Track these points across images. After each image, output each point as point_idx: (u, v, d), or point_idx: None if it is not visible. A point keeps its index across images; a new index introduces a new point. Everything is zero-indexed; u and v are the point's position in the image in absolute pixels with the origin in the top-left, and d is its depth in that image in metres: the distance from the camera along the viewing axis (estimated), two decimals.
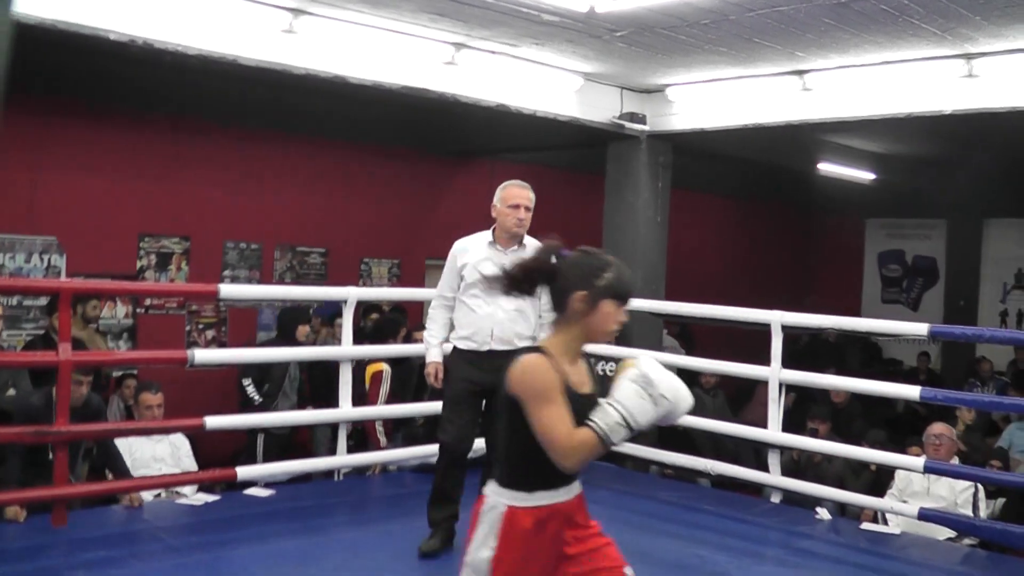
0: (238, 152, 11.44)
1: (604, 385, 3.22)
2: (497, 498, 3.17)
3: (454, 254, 6.04)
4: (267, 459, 7.96)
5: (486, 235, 6.06)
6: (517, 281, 3.25)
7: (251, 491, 7.00)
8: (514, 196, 6.04)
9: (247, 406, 8.51)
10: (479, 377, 5.80)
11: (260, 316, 11.71)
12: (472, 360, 5.87)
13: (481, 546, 3.15)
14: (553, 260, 3.28)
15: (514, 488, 3.16)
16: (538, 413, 3.04)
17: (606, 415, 3.05)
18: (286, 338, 8.78)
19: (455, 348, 5.99)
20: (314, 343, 9.72)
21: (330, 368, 8.37)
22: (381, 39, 7.93)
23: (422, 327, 8.50)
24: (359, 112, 10.47)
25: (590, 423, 3.04)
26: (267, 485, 7.11)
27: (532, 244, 6.03)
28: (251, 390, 8.59)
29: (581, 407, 3.10)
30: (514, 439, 3.15)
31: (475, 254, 5.96)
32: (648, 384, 3.07)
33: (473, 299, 5.91)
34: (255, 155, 11.63)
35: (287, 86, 8.29)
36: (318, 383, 9.42)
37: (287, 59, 7.56)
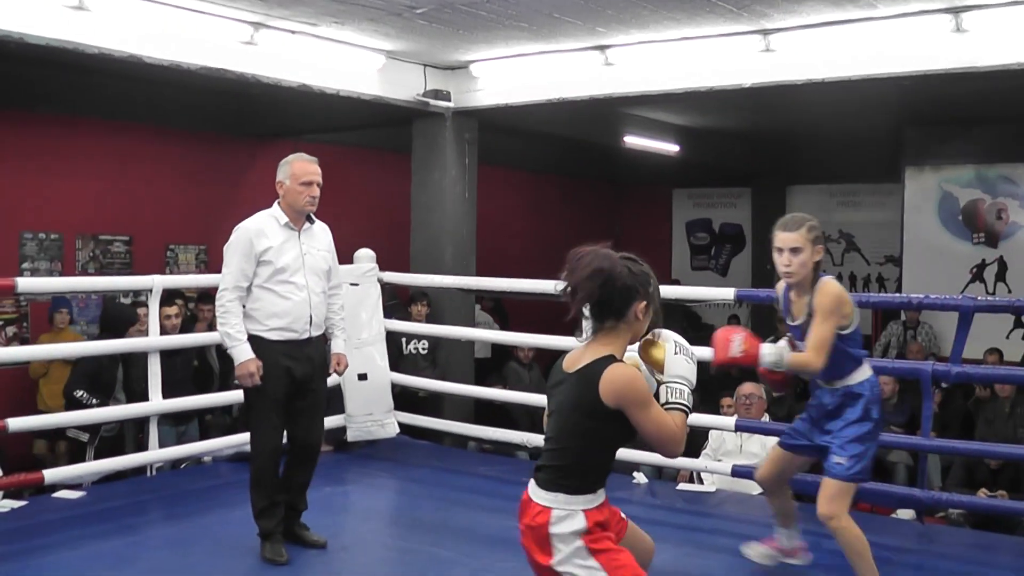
0: (31, 138, 10.95)
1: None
2: (570, 507, 3.33)
3: (247, 239, 5.50)
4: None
5: (276, 215, 5.63)
6: (611, 309, 3.39)
7: (60, 494, 6.74)
8: (306, 172, 5.64)
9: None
10: (298, 369, 5.55)
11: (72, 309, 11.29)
12: (288, 351, 5.54)
13: (580, 570, 3.31)
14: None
15: (585, 492, 3.36)
16: (647, 416, 3.26)
17: (678, 392, 3.39)
18: (109, 332, 8.43)
19: (263, 340, 5.50)
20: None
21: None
22: (177, 18, 7.72)
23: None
24: (158, 94, 10.20)
25: (676, 406, 3.37)
26: (77, 487, 6.87)
27: (320, 224, 5.92)
28: (85, 397, 8.18)
29: None
30: (594, 446, 3.35)
31: (274, 237, 5.55)
32: (683, 349, 3.46)
33: (283, 285, 5.52)
34: (49, 141, 11.16)
35: (80, 66, 8.00)
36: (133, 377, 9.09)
37: (78, 37, 7.23)
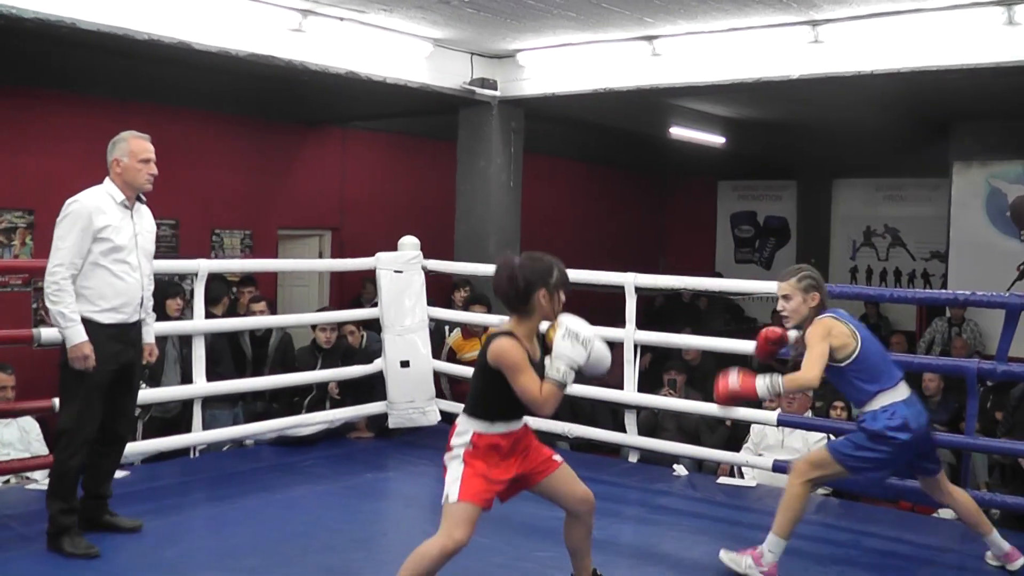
0: (82, 122, 11.06)
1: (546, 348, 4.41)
2: (467, 425, 4.32)
3: (87, 214, 5.22)
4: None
5: (111, 192, 5.39)
6: (519, 300, 4.32)
7: None
8: (144, 150, 5.47)
9: None
10: (123, 355, 5.40)
11: None
12: (116, 335, 5.35)
13: (454, 462, 4.30)
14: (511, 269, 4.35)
15: (479, 418, 4.31)
16: (515, 379, 4.17)
17: (555, 368, 4.17)
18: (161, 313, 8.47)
19: (93, 323, 5.26)
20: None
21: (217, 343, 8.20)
22: (226, 4, 7.78)
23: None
24: (206, 80, 10.24)
25: (550, 378, 4.18)
26: (123, 466, 6.93)
27: (145, 206, 5.72)
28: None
29: (538, 370, 4.26)
30: (484, 387, 4.30)
31: (112, 214, 5.32)
32: (573, 335, 4.18)
33: (119, 264, 5.32)
34: (99, 125, 11.20)
35: (130, 52, 8.06)
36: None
37: (129, 23, 7.32)
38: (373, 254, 8.37)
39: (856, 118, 13.25)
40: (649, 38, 8.89)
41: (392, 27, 8.84)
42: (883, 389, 5.13)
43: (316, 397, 8.40)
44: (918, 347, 12.77)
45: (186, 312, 8.55)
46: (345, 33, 8.62)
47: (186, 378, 8.17)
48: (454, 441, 4.36)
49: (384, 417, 8.22)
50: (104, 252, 5.27)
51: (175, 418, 8.22)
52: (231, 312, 9.16)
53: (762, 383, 5.07)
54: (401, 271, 8.27)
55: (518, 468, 4.39)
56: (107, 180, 5.44)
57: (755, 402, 5.56)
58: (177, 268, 8.43)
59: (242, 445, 7.99)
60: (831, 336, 5.08)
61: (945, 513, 6.96)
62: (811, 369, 4.97)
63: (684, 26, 8.50)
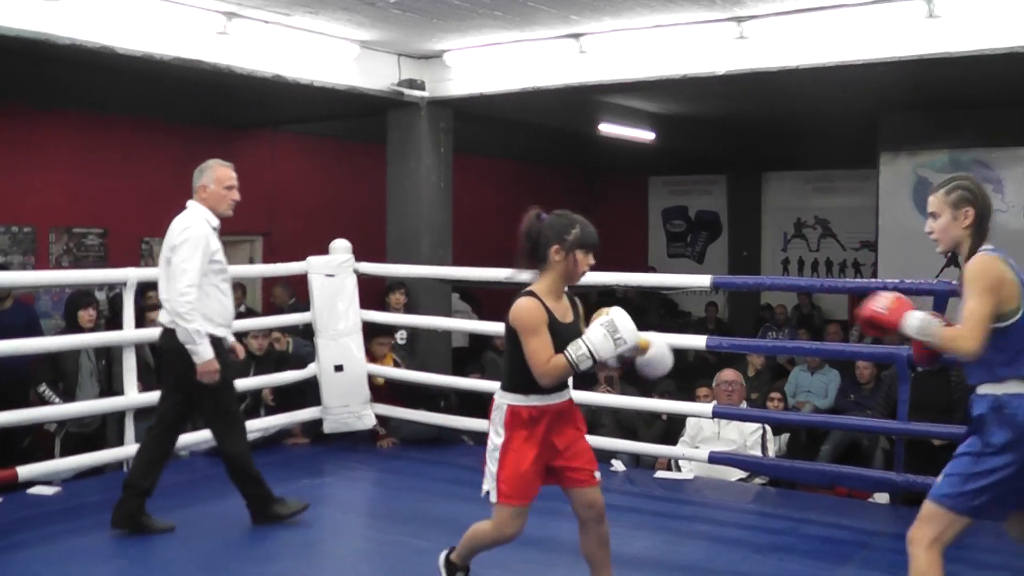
0: (2, 130, 10.89)
1: (585, 319, 4.34)
2: (501, 400, 4.24)
3: (204, 237, 5.62)
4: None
5: (206, 217, 5.74)
6: (531, 254, 4.27)
7: (35, 490, 6.69)
8: (230, 177, 5.88)
9: None
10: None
11: (37, 304, 11.22)
12: (222, 349, 5.75)
13: (494, 436, 4.24)
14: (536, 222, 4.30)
15: (513, 391, 4.21)
16: (527, 341, 4.09)
17: (577, 348, 4.03)
18: (71, 326, 8.36)
19: (212, 338, 5.63)
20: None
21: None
22: (150, 8, 7.67)
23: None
24: (132, 85, 10.11)
25: (565, 353, 4.05)
26: (53, 483, 6.82)
27: None
28: (48, 394, 8.11)
29: (564, 334, 4.12)
30: (514, 356, 4.16)
31: (215, 239, 5.72)
32: (613, 328, 4.06)
33: (224, 284, 5.76)
34: (22, 133, 11.10)
35: (51, 57, 7.93)
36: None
37: (50, 28, 7.18)
38: (304, 258, 8.31)
39: (784, 111, 13.39)
40: (575, 36, 8.90)
41: (318, 29, 8.78)
42: (1018, 376, 3.89)
43: (250, 405, 8.32)
44: (851, 335, 12.92)
45: (99, 323, 8.44)
46: (271, 36, 8.55)
47: (104, 391, 8.08)
48: (491, 427, 4.28)
49: (319, 422, 8.17)
50: (215, 272, 5.68)
51: (93, 433, 8.10)
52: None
53: (915, 321, 4.01)
54: (333, 275, 8.21)
55: (554, 449, 4.25)
56: (196, 204, 5.79)
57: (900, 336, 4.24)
58: (106, 278, 8.32)
59: (176, 457, 7.88)
60: (1004, 286, 3.86)
61: (880, 497, 7.06)
62: (973, 336, 3.79)
63: (610, 23, 8.52)
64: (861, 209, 16.02)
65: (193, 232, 5.61)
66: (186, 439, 7.70)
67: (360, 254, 8.50)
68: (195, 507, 6.50)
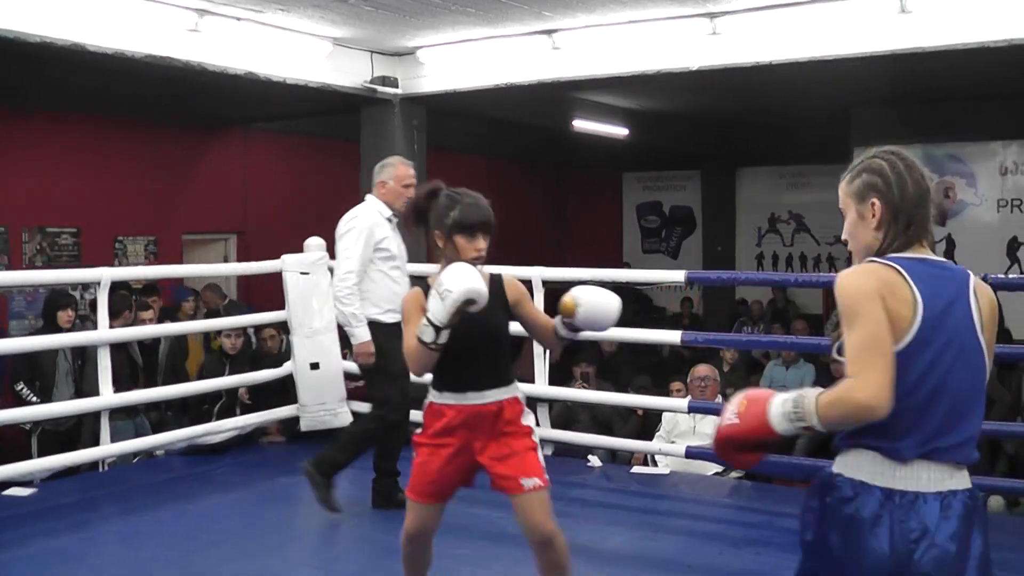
0: None
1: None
2: (427, 394, 3.95)
3: (368, 228, 6.00)
4: (44, 455, 7.43)
5: (379, 208, 6.10)
6: (408, 220, 4.03)
7: (10, 491, 6.64)
8: (409, 176, 6.12)
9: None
10: None
11: (11, 304, 11.15)
12: (399, 334, 5.78)
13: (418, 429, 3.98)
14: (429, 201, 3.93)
15: (433, 387, 3.92)
16: (405, 331, 3.80)
17: (422, 325, 3.64)
18: (49, 326, 8.29)
19: (380, 324, 5.97)
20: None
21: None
22: (121, 5, 7.59)
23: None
24: (103, 83, 10.04)
25: (415, 334, 3.68)
26: (27, 483, 6.78)
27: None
28: (26, 392, 8.06)
29: (463, 325, 3.67)
30: None
31: (384, 228, 6.05)
32: (439, 286, 3.62)
33: (395, 271, 6.06)
34: None
35: (22, 56, 7.87)
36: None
37: (19, 26, 7.10)
38: (279, 256, 8.28)
39: (758, 107, 13.44)
40: (548, 32, 8.90)
41: (290, 27, 8.74)
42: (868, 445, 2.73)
43: (226, 404, 8.29)
44: (825, 329, 12.96)
45: (78, 324, 8.39)
46: (243, 33, 8.50)
47: (79, 391, 8.03)
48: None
49: (296, 421, 8.14)
50: (383, 259, 6.02)
51: (68, 431, 8.06)
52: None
53: (778, 411, 2.72)
54: (308, 272, 8.18)
55: (473, 452, 3.85)
56: (372, 198, 6.17)
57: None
58: (79, 277, 8.27)
59: (152, 456, 7.86)
60: (884, 301, 2.64)
61: None
62: (864, 376, 2.58)
63: (583, 19, 8.52)
64: (835, 204, 15.75)
65: (357, 223, 6.03)
66: (161, 438, 7.71)
67: (334, 252, 8.47)
68: (172, 505, 6.48)
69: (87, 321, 8.64)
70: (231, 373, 8.29)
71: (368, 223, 6.02)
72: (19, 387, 8.11)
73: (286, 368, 8.18)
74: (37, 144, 11.40)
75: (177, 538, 5.78)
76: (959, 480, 2.71)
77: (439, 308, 3.58)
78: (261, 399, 8.29)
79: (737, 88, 11.51)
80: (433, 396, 3.91)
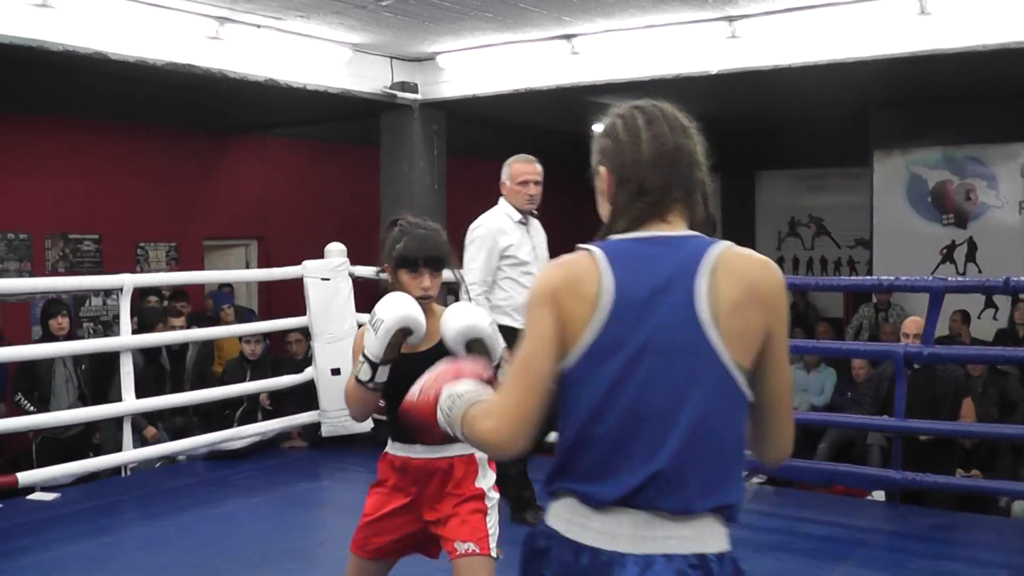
0: None
1: None
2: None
3: (491, 235, 5.87)
4: (42, 465, 7.31)
5: (507, 212, 5.97)
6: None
7: (34, 496, 6.71)
8: (522, 173, 5.98)
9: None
10: None
11: (33, 310, 11.19)
12: None
13: None
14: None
15: (389, 436, 3.54)
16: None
17: (359, 362, 3.31)
18: (46, 334, 8.30)
19: (512, 331, 5.82)
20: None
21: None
22: (142, 13, 7.66)
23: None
24: (125, 91, 10.10)
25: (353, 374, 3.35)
26: (51, 489, 6.82)
27: (536, 220, 6.17)
28: (24, 403, 8.01)
29: (410, 364, 3.11)
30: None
31: (512, 234, 5.91)
32: (372, 316, 3.29)
33: (526, 277, 5.88)
34: (16, 140, 11.07)
35: (44, 64, 7.94)
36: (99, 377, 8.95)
37: (43, 35, 7.18)
38: (299, 262, 8.31)
39: (777, 110, 13.40)
40: (568, 37, 8.91)
41: (310, 33, 8.78)
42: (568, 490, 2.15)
43: (247, 409, 8.32)
44: (846, 333, 12.92)
45: (101, 330, 8.43)
46: (263, 40, 8.54)
47: (83, 397, 8.07)
48: None
49: (317, 426, 8.16)
50: (511, 266, 5.89)
51: (73, 438, 8.06)
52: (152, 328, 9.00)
53: (443, 405, 2.32)
54: (328, 278, 8.21)
55: (421, 510, 3.47)
56: (501, 200, 6.05)
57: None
58: (102, 284, 8.30)
59: (174, 461, 7.90)
60: (561, 308, 2.10)
61: (877, 495, 7.06)
62: (499, 413, 2.14)
63: (602, 24, 8.53)
64: (855, 207, 16.01)
65: (479, 232, 5.91)
66: (183, 444, 7.74)
67: (355, 257, 8.50)
68: (194, 510, 6.51)
69: (111, 328, 8.68)
70: (252, 379, 8.32)
71: (490, 230, 5.88)
72: (17, 398, 8.08)
73: (307, 374, 8.21)
74: (57, 152, 11.45)
75: (199, 543, 5.82)
76: (682, 539, 2.05)
77: (372, 341, 3.27)
78: (283, 404, 8.32)
79: (756, 91, 11.49)
80: (388, 445, 3.54)
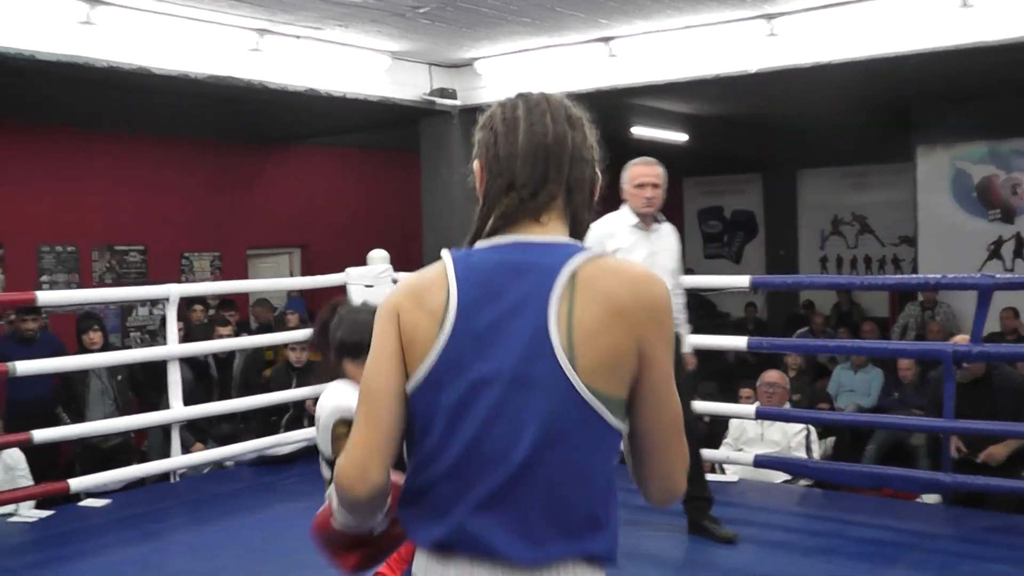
0: (44, 152, 11.01)
1: None
2: None
3: (598, 239, 5.61)
4: (85, 473, 7.42)
5: (624, 216, 5.83)
6: (319, 347, 3.50)
7: (86, 503, 6.80)
8: (638, 175, 5.87)
9: None
10: None
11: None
12: None
13: None
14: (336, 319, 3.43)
15: None
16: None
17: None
18: (82, 348, 8.37)
19: None
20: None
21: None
22: (183, 28, 7.73)
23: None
24: (167, 104, 10.20)
25: None
26: (103, 495, 6.90)
27: (668, 226, 6.15)
28: (63, 415, 8.13)
29: None
30: None
31: (623, 238, 5.76)
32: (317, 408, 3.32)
33: None
34: (63, 154, 11.21)
35: (89, 80, 8.03)
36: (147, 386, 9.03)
37: (88, 52, 7.29)
38: (342, 270, 8.34)
39: (817, 108, 13.30)
40: (605, 39, 8.89)
41: (349, 42, 8.81)
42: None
43: (293, 415, 8.36)
44: (892, 333, 12.81)
45: (147, 341, 8.51)
46: (303, 50, 8.59)
47: (118, 408, 8.21)
48: None
49: None
50: None
51: (116, 447, 8.14)
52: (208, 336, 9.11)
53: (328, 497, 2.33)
54: (372, 285, 8.23)
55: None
56: (624, 205, 5.89)
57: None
58: (148, 294, 8.38)
59: (222, 467, 7.95)
60: (403, 327, 1.95)
61: (928, 498, 6.98)
62: (348, 460, 1.97)
63: (640, 25, 8.51)
64: (899, 204, 15.87)
65: (590, 235, 5.69)
66: (230, 450, 7.80)
67: (398, 263, 8.52)
68: (242, 516, 6.55)
69: (157, 337, 8.75)
70: (298, 385, 8.36)
71: (599, 234, 5.66)
72: (58, 411, 8.22)
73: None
74: (104, 164, 11.58)
75: (247, 548, 5.87)
76: None
77: (320, 440, 3.27)
78: None
79: (796, 89, 11.41)
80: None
